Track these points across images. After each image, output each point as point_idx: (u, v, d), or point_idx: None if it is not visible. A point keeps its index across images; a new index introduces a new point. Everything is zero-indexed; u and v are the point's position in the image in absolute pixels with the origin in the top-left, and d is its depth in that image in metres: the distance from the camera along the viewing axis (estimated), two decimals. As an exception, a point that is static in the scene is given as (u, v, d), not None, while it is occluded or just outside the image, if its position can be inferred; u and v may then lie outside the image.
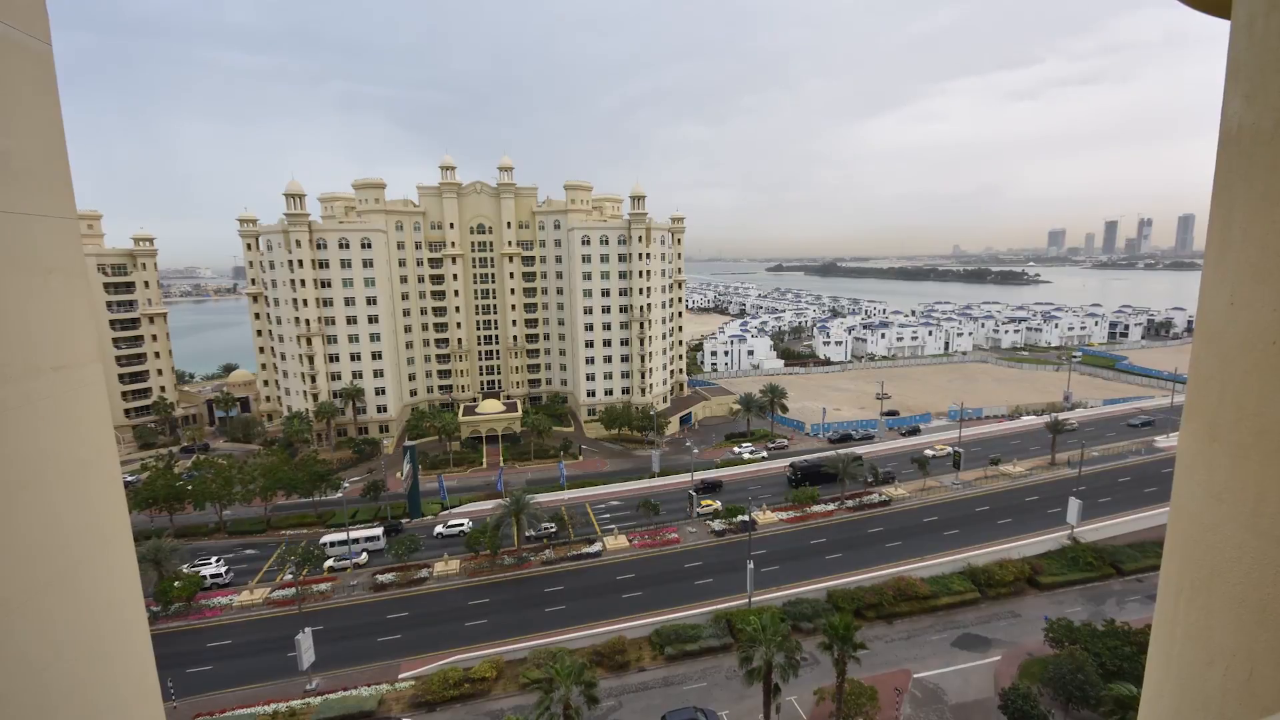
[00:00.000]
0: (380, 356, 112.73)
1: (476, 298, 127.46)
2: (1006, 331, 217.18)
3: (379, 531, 72.98)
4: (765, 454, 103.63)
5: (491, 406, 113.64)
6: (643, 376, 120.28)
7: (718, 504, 78.49)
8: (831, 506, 77.98)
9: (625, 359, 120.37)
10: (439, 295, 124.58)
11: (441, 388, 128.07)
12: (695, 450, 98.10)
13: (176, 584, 59.90)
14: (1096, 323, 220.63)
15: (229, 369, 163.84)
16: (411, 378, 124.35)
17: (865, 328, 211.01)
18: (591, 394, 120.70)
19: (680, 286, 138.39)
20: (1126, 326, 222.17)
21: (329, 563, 67.85)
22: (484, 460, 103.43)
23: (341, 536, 70.40)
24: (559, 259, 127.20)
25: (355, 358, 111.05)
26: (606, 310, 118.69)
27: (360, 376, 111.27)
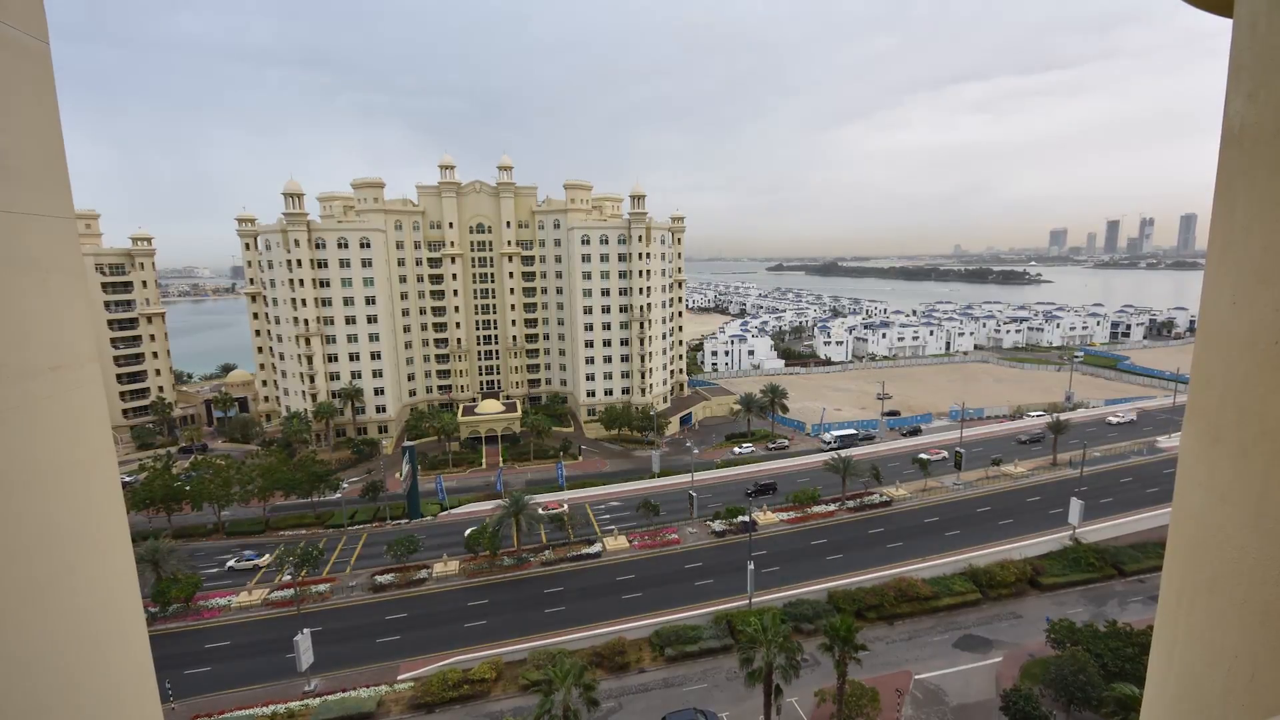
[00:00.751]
0: (379, 356, 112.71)
1: (476, 298, 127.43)
2: (1008, 331, 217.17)
3: None
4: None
5: (491, 407, 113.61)
6: (643, 376, 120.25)
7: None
8: (832, 507, 77.96)
9: (625, 359, 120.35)
10: (438, 295, 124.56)
11: (441, 388, 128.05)
12: (695, 451, 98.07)
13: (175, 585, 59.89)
14: (1098, 323, 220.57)
15: (227, 369, 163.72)
16: (411, 378, 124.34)
17: (866, 327, 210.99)
18: (591, 394, 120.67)
19: (680, 286, 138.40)
20: (1128, 326, 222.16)
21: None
22: (483, 460, 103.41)
23: None
24: (559, 259, 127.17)
25: (354, 358, 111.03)
26: (606, 310, 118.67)
27: (359, 376, 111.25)
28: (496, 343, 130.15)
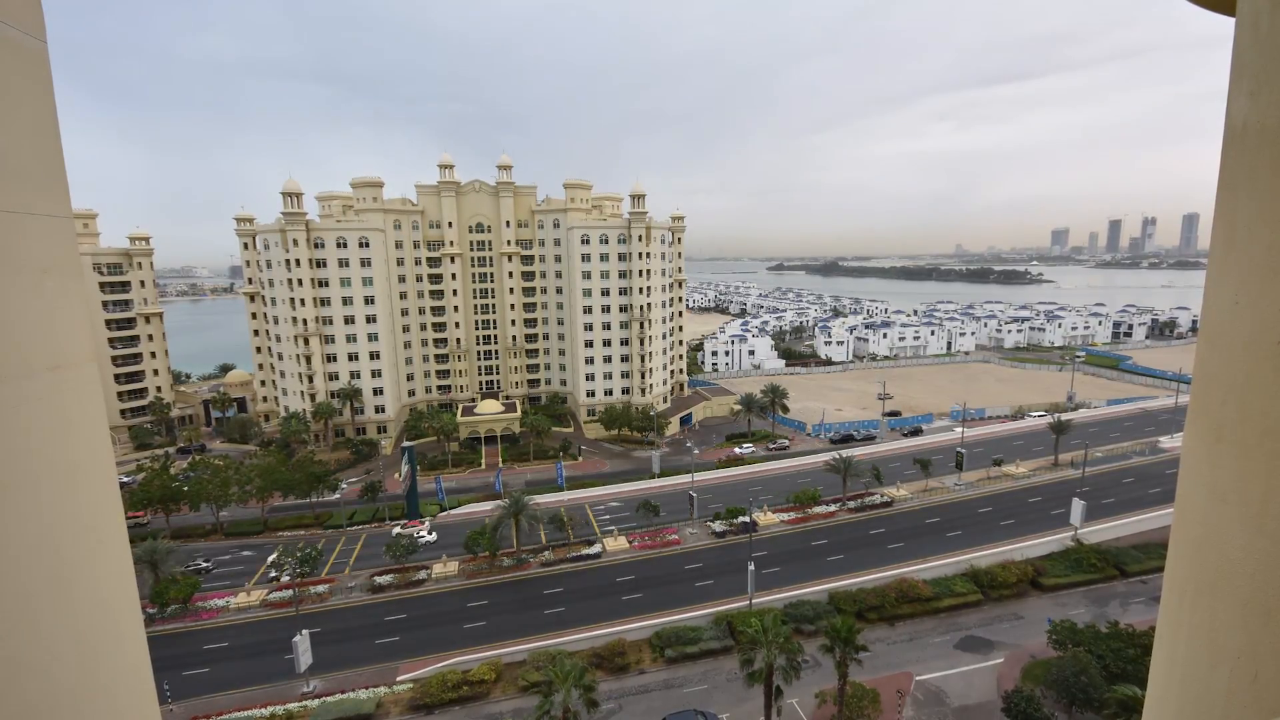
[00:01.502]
0: (378, 356, 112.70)
1: (475, 297, 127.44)
2: (1009, 331, 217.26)
3: None
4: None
5: (490, 407, 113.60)
6: (643, 377, 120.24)
7: None
8: (833, 508, 77.93)
9: (625, 359, 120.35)
10: (437, 295, 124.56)
11: (440, 388, 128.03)
12: (695, 451, 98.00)
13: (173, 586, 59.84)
14: (1100, 322, 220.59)
15: (226, 369, 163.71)
16: (410, 378, 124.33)
17: (867, 327, 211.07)
18: (591, 394, 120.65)
19: (680, 286, 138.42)
20: (1130, 326, 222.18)
21: None
22: (483, 461, 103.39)
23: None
24: (558, 258, 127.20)
25: (353, 358, 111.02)
26: (606, 310, 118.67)
27: (358, 377, 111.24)
28: (496, 343, 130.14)
